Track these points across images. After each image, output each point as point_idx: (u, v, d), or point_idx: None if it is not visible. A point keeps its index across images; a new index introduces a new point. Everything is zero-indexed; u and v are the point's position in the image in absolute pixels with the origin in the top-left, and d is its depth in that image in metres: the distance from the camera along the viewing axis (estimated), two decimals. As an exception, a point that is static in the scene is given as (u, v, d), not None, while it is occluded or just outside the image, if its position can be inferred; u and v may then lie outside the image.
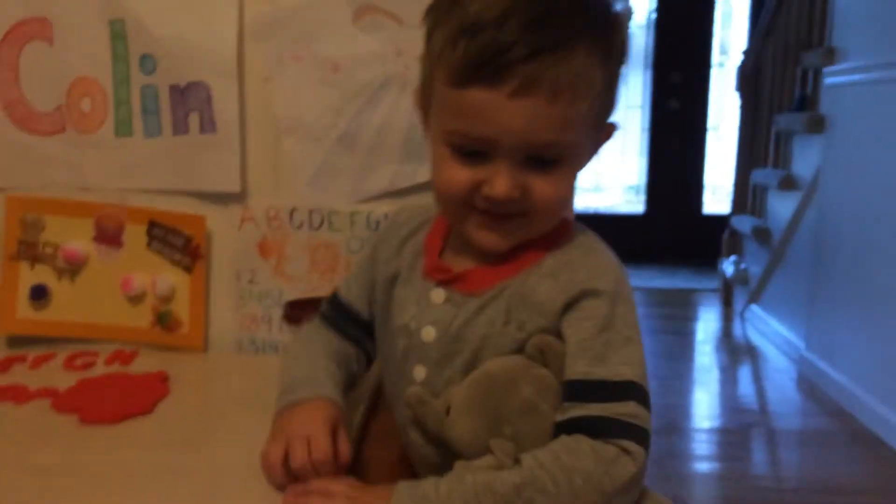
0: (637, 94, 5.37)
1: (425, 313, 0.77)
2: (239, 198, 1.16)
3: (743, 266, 4.03)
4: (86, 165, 1.16)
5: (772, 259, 3.64)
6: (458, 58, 0.68)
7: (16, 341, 1.16)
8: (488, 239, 0.75)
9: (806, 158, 3.35)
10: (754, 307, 3.88)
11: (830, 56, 3.10)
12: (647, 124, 5.33)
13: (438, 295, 0.77)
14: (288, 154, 1.15)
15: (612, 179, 5.62)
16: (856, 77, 2.88)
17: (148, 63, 1.13)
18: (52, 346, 1.14)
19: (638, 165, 5.47)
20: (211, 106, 1.13)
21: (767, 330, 3.66)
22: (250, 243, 1.16)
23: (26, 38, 1.14)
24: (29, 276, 1.16)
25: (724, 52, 5.38)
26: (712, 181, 5.36)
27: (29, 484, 0.75)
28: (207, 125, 1.13)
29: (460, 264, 0.79)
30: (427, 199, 1.10)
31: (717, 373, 3.39)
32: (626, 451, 0.66)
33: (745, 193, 4.10)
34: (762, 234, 3.71)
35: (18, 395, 0.96)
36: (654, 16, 5.21)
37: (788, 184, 3.46)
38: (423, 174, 1.13)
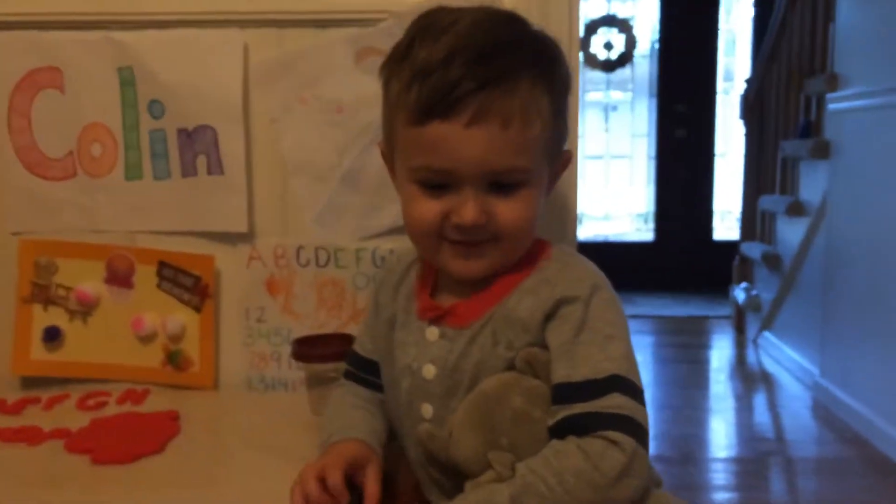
0: (643, 123, 5.41)
1: (423, 352, 0.80)
2: (246, 237, 1.18)
3: (754, 292, 4.02)
4: (97, 209, 1.19)
5: (783, 285, 3.63)
6: (413, 100, 0.73)
7: (30, 382, 1.18)
8: (464, 267, 0.78)
9: (813, 184, 3.35)
10: (767, 334, 3.86)
11: (833, 82, 3.12)
12: (653, 152, 5.35)
13: (433, 333, 0.80)
14: (294, 194, 1.17)
15: (621, 208, 5.63)
16: (859, 103, 2.90)
17: (156, 108, 1.16)
18: (66, 386, 1.16)
19: (646, 193, 5.48)
20: (218, 148, 1.15)
21: (781, 357, 3.63)
22: (258, 282, 1.18)
23: (39, 87, 1.17)
24: (42, 317, 1.18)
25: (728, 79, 5.42)
26: (721, 207, 5.36)
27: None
28: (215, 167, 1.16)
29: (450, 299, 0.81)
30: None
31: (732, 401, 3.37)
32: (612, 441, 0.68)
33: (754, 220, 4.10)
34: (772, 261, 3.71)
35: (32, 436, 0.97)
36: (657, 46, 5.26)
37: (796, 210, 3.46)
38: (427, 210, 1.15)
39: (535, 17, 0.85)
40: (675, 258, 5.24)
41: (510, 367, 0.75)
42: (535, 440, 0.72)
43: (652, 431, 0.73)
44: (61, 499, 0.82)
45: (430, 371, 0.79)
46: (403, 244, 1.14)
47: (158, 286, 1.18)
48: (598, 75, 5.26)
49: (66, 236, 1.19)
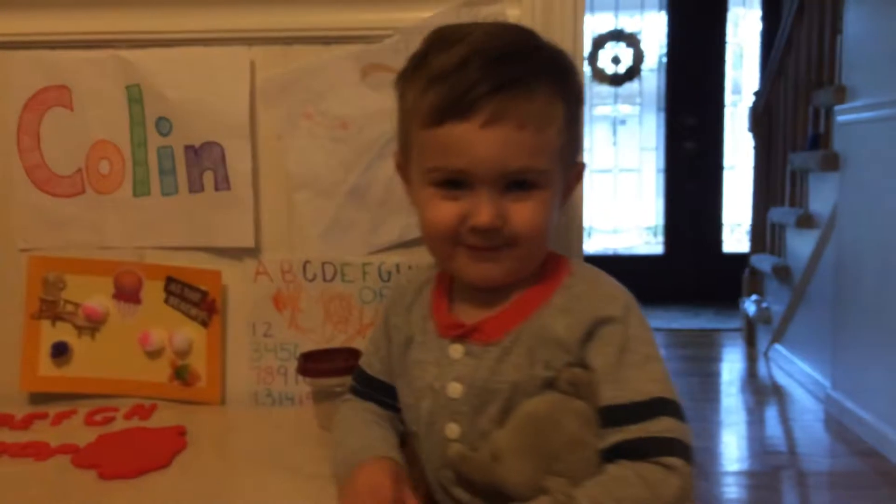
0: (651, 136, 5.41)
1: (447, 371, 0.79)
2: (253, 252, 1.18)
3: (765, 305, 4.00)
4: (105, 225, 1.20)
5: (793, 297, 3.61)
6: (429, 103, 0.74)
7: (38, 398, 1.19)
8: (480, 272, 0.78)
9: (822, 196, 3.34)
10: (778, 346, 3.84)
11: (841, 94, 3.12)
12: (662, 165, 5.35)
13: (456, 350, 0.79)
14: (300, 209, 1.18)
15: (631, 221, 5.62)
16: (867, 115, 2.89)
17: (163, 125, 1.17)
18: (73, 402, 1.16)
19: (656, 207, 5.48)
20: (225, 164, 1.16)
21: (792, 369, 3.61)
22: (265, 297, 1.18)
23: (47, 106, 1.18)
24: (50, 333, 1.19)
25: (736, 91, 5.42)
26: (731, 220, 5.35)
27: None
28: (222, 183, 1.17)
29: (471, 316, 0.81)
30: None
31: (744, 414, 3.34)
32: (669, 467, 0.69)
33: (764, 232, 4.08)
34: (782, 273, 3.69)
35: (39, 451, 0.98)
36: (665, 59, 5.27)
37: (806, 222, 3.45)
38: (432, 224, 1.15)
39: (539, 31, 0.86)
40: (685, 271, 5.23)
41: (547, 385, 0.75)
42: (588, 464, 0.73)
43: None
44: (68, 514, 0.82)
45: (456, 389, 0.78)
46: (409, 258, 1.15)
47: (166, 301, 1.18)
48: (606, 89, 5.28)
49: (74, 253, 1.20)
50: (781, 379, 3.64)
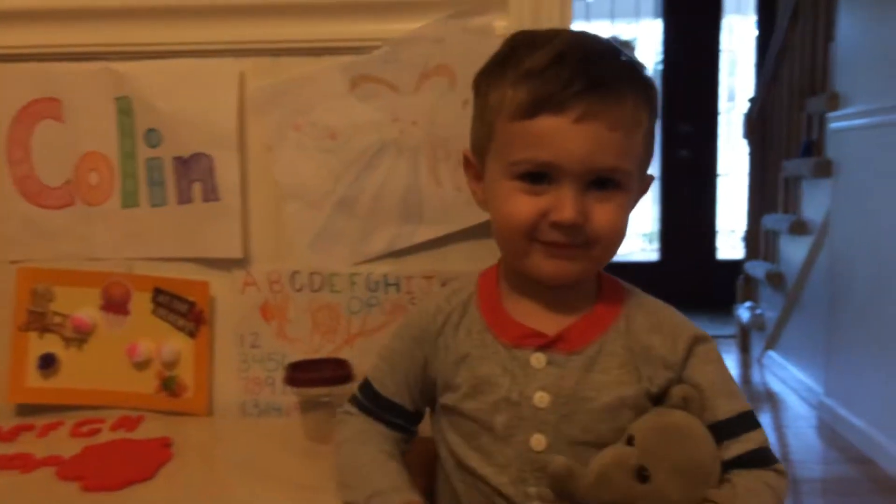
0: (647, 143, 5.41)
1: (530, 381, 0.78)
2: (241, 263, 1.19)
3: (759, 311, 4.01)
4: (94, 236, 1.20)
5: (787, 304, 3.61)
6: (522, 96, 0.74)
7: (25, 409, 1.18)
8: (556, 268, 0.78)
9: (815, 203, 3.35)
10: (772, 353, 3.84)
11: (834, 101, 3.13)
12: (657, 172, 5.36)
13: (539, 360, 0.79)
14: (289, 219, 1.18)
15: (626, 228, 5.62)
16: (859, 122, 2.90)
17: (153, 137, 1.17)
18: (60, 413, 1.16)
19: (651, 213, 5.48)
20: (214, 175, 1.17)
21: (786, 376, 3.61)
22: (253, 307, 1.18)
23: (37, 118, 1.18)
24: (38, 345, 1.19)
25: (731, 98, 5.43)
26: (725, 226, 5.35)
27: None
28: (210, 194, 1.17)
29: (541, 325, 0.80)
30: (428, 267, 1.15)
31: (737, 421, 3.34)
32: (780, 472, 0.78)
33: (758, 239, 4.09)
34: (776, 280, 3.70)
35: (25, 463, 0.97)
36: (660, 67, 5.28)
37: (799, 228, 3.46)
38: (420, 234, 1.16)
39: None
40: (680, 277, 5.21)
41: (651, 400, 0.78)
42: (719, 480, 0.76)
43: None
44: (51, 527, 0.82)
45: (543, 399, 0.77)
46: (397, 268, 1.15)
47: (154, 312, 1.18)
48: (601, 96, 5.27)
49: (63, 264, 1.20)
50: (775, 385, 3.64)
